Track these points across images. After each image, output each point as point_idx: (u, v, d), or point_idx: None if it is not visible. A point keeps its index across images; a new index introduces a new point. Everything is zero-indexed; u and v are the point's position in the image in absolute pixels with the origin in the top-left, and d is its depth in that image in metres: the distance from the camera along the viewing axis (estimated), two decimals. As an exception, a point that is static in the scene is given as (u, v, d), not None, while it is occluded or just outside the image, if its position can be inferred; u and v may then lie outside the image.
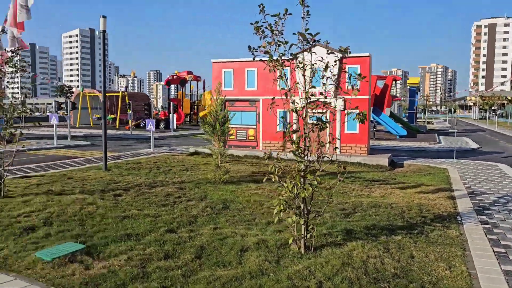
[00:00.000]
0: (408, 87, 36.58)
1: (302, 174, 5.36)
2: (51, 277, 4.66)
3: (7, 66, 8.21)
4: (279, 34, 5.45)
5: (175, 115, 29.88)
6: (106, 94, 40.88)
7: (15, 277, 4.69)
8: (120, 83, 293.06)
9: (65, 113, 26.56)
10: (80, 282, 4.52)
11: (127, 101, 35.34)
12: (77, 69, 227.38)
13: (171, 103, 38.75)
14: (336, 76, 5.66)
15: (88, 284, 4.49)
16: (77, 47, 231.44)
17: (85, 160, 15.05)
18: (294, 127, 5.56)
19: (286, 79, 5.57)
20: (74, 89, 30.11)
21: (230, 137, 16.11)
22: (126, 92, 36.39)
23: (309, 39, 5.30)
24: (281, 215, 5.40)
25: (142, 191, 9.15)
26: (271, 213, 7.46)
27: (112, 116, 36.69)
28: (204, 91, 46.16)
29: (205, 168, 12.72)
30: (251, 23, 5.39)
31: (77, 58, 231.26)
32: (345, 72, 5.74)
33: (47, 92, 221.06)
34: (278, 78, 5.52)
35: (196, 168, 12.95)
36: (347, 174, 9.03)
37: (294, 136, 5.44)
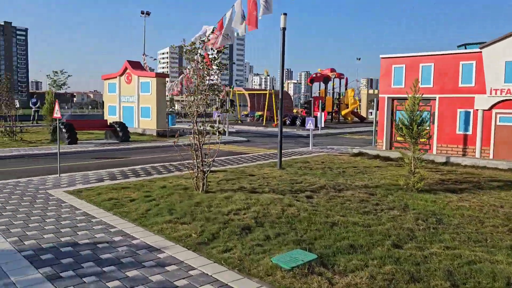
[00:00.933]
0: None
1: None
2: (297, 289, 4.35)
3: (213, 64, 8.49)
4: None
5: (323, 114, 29.43)
6: (253, 92, 42.66)
7: (259, 283, 4.50)
8: (254, 81, 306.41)
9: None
10: (335, 301, 4.10)
11: (273, 99, 36.15)
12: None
13: (318, 101, 38.54)
14: None
15: (344, 304, 4.05)
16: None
17: (253, 156, 15.37)
18: None
19: None
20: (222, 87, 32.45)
21: (398, 138, 14.93)
22: (273, 90, 37.30)
23: None
24: None
25: (332, 195, 8.68)
26: (502, 233, 6.30)
27: (259, 113, 37.94)
28: (346, 89, 44.95)
29: (382, 172, 11.84)
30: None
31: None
32: None
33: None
34: None
35: (370, 171, 12.12)
36: None
37: None
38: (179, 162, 13.32)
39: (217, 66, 8.62)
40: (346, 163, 13.55)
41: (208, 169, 8.72)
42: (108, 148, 17.02)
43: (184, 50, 8.65)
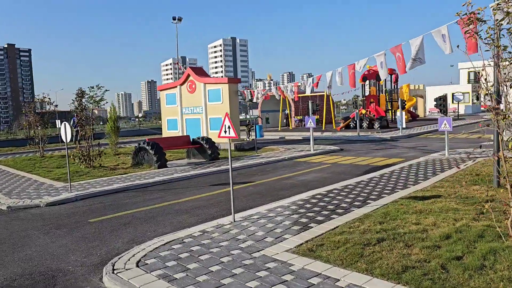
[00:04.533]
0: None
1: None
2: None
3: None
4: None
5: (403, 113, 26.29)
6: (307, 95, 39.61)
7: None
8: (258, 86, 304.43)
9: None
10: None
11: (331, 101, 33.13)
12: (221, 76, 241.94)
13: (369, 100, 35.52)
14: None
15: None
16: (221, 56, 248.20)
17: (408, 170, 12.17)
18: None
19: None
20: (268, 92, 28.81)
21: None
22: (330, 92, 34.18)
23: None
24: None
25: None
26: None
27: (317, 117, 34.78)
28: (396, 85, 41.85)
29: None
30: None
31: (221, 66, 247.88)
32: None
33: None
34: None
35: None
36: None
37: None
38: (351, 185, 10.20)
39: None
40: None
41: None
42: (213, 170, 13.89)
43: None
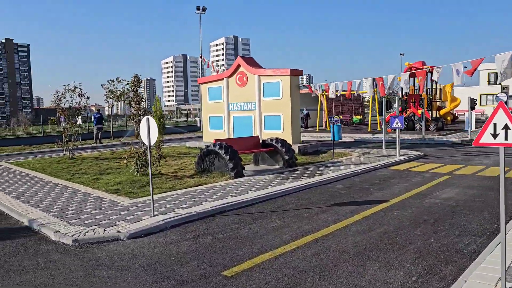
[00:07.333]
0: None
1: None
2: None
3: None
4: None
5: (473, 114, 23.34)
6: (352, 93, 36.67)
7: None
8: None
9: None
10: None
11: (376, 101, 30.11)
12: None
13: (412, 98, 32.72)
14: None
15: None
16: (222, 54, 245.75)
17: None
18: None
19: None
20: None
21: None
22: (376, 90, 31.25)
23: None
24: None
25: None
26: None
27: (359, 117, 31.82)
28: (436, 83, 38.95)
29: None
30: None
31: (223, 65, 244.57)
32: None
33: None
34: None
35: None
36: None
37: None
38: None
39: None
40: None
41: None
42: (312, 182, 10.79)
43: None
